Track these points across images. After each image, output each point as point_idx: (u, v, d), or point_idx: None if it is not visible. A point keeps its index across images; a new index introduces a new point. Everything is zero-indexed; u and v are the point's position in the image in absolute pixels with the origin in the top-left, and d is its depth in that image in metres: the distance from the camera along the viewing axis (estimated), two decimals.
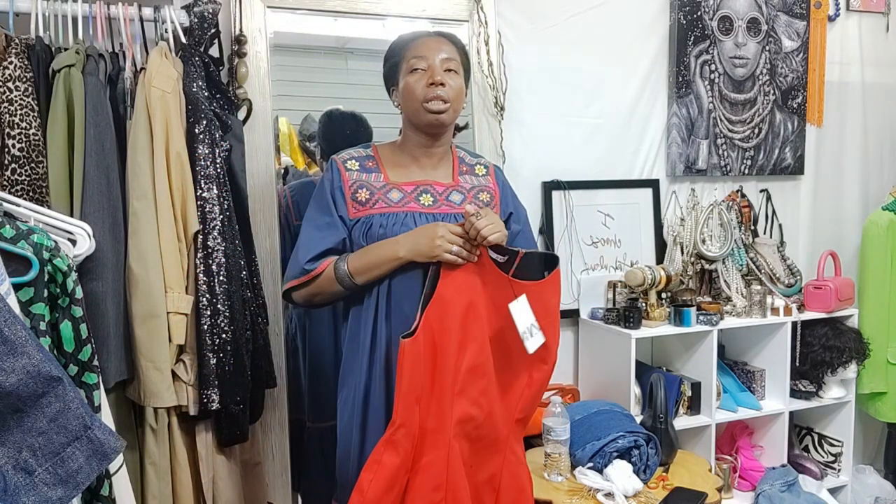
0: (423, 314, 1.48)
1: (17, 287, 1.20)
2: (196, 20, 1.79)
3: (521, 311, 1.54)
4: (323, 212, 1.62)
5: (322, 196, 1.63)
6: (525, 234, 1.76)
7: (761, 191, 2.88)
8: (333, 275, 1.56)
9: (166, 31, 1.80)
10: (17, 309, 1.16)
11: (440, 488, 1.48)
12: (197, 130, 1.73)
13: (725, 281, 2.59)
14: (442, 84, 1.57)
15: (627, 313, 2.36)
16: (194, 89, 1.75)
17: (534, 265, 1.59)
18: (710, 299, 2.57)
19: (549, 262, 1.63)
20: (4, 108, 1.58)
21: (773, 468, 2.54)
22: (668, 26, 2.65)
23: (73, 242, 1.46)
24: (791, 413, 2.62)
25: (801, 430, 2.87)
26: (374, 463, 1.46)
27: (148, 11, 1.79)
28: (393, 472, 1.46)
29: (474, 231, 1.49)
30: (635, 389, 2.37)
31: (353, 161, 1.65)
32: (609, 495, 1.93)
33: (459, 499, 1.49)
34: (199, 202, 1.73)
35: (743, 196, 2.79)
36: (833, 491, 2.67)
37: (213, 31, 1.85)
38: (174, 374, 1.72)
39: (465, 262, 1.51)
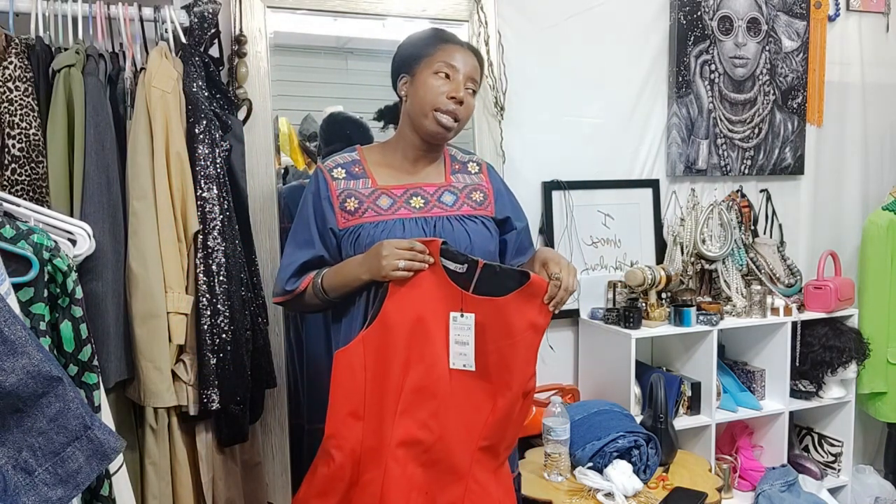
0: (365, 329, 1.46)
1: (17, 287, 1.20)
2: (196, 20, 1.79)
3: (460, 327, 1.47)
4: (303, 228, 1.61)
5: (304, 210, 1.62)
6: (526, 232, 1.75)
7: (761, 191, 2.88)
8: (312, 290, 1.57)
9: (166, 31, 1.80)
10: (17, 309, 1.16)
11: None
12: (197, 130, 1.73)
13: (725, 281, 2.59)
14: (461, 103, 1.56)
15: (627, 313, 2.36)
16: (194, 89, 1.75)
17: (510, 280, 1.48)
18: (710, 299, 2.57)
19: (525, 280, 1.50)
20: (4, 108, 1.58)
21: (773, 468, 2.55)
22: (668, 26, 2.65)
23: (73, 242, 1.46)
24: (791, 413, 2.62)
25: (801, 430, 2.87)
26: (313, 468, 1.50)
27: (148, 11, 1.79)
28: (325, 481, 1.47)
29: (566, 294, 1.47)
30: (635, 389, 2.37)
31: (340, 169, 1.62)
32: (609, 495, 1.93)
33: None
34: (199, 202, 1.73)
35: (743, 196, 2.79)
36: (833, 491, 2.67)
37: (213, 31, 1.85)
38: (174, 374, 1.72)
39: (416, 274, 1.45)
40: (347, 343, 1.53)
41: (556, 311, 1.49)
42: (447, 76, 1.56)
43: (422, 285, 1.46)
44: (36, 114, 1.61)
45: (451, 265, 1.48)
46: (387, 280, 1.45)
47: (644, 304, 2.43)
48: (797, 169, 2.90)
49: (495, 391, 1.49)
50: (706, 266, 2.59)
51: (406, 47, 1.65)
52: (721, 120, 2.74)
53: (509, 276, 1.48)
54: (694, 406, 2.45)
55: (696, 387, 2.45)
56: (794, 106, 2.87)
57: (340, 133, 2.32)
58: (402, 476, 1.45)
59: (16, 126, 1.59)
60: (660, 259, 2.66)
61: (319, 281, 1.56)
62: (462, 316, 1.47)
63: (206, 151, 1.74)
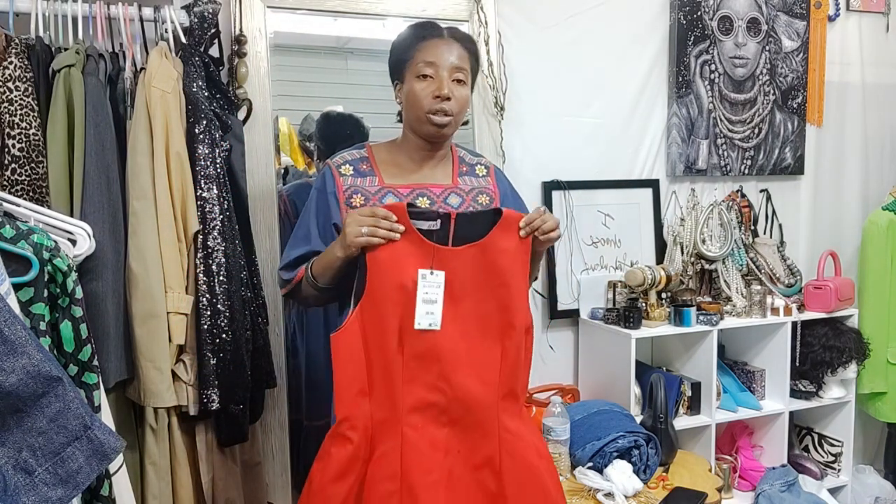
0: (354, 307, 1.46)
1: (17, 287, 1.20)
2: (196, 20, 1.79)
3: (429, 285, 1.45)
4: (303, 223, 1.64)
5: (308, 206, 1.64)
6: None
7: (761, 191, 2.88)
8: (305, 279, 1.59)
9: (166, 31, 1.80)
10: (17, 309, 1.16)
11: (394, 477, 1.44)
12: (197, 130, 1.73)
13: (725, 281, 2.59)
14: (448, 98, 1.55)
15: (627, 313, 2.36)
16: (194, 89, 1.75)
17: (486, 222, 1.49)
18: (710, 299, 2.57)
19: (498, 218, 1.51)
20: (4, 108, 1.58)
21: (773, 468, 2.55)
22: (668, 26, 2.65)
23: (73, 242, 1.46)
24: (791, 413, 2.62)
25: (801, 430, 2.87)
26: (324, 454, 1.49)
27: (148, 11, 1.79)
28: (344, 462, 1.46)
29: (542, 224, 1.48)
30: (635, 389, 2.37)
31: (348, 166, 1.64)
32: (609, 495, 1.93)
33: (415, 486, 1.43)
34: (199, 202, 1.73)
35: (743, 196, 2.79)
36: (833, 491, 2.67)
37: (213, 31, 1.85)
38: (174, 374, 1.72)
39: (385, 242, 1.43)
40: None
41: (526, 236, 1.50)
42: (429, 77, 1.56)
43: (398, 251, 1.45)
44: (36, 114, 1.62)
45: (425, 224, 1.47)
46: (352, 248, 1.44)
47: (644, 304, 2.43)
48: (797, 169, 2.90)
49: (502, 334, 1.50)
50: (706, 266, 2.59)
51: (392, 53, 1.66)
52: (721, 120, 2.74)
53: (484, 217, 1.51)
54: (694, 406, 2.45)
55: (696, 387, 2.45)
56: (794, 106, 2.87)
57: (340, 132, 2.32)
58: (420, 439, 1.45)
59: (16, 126, 1.59)
60: (660, 259, 2.66)
61: (309, 267, 1.58)
62: (431, 274, 1.46)
63: (206, 151, 1.74)
